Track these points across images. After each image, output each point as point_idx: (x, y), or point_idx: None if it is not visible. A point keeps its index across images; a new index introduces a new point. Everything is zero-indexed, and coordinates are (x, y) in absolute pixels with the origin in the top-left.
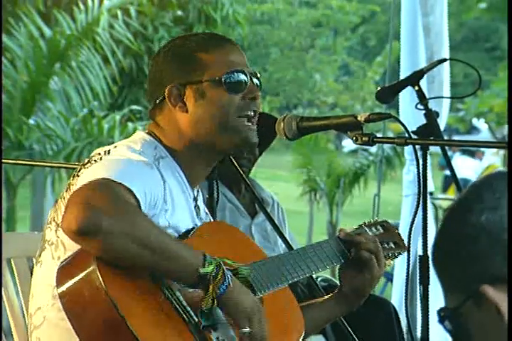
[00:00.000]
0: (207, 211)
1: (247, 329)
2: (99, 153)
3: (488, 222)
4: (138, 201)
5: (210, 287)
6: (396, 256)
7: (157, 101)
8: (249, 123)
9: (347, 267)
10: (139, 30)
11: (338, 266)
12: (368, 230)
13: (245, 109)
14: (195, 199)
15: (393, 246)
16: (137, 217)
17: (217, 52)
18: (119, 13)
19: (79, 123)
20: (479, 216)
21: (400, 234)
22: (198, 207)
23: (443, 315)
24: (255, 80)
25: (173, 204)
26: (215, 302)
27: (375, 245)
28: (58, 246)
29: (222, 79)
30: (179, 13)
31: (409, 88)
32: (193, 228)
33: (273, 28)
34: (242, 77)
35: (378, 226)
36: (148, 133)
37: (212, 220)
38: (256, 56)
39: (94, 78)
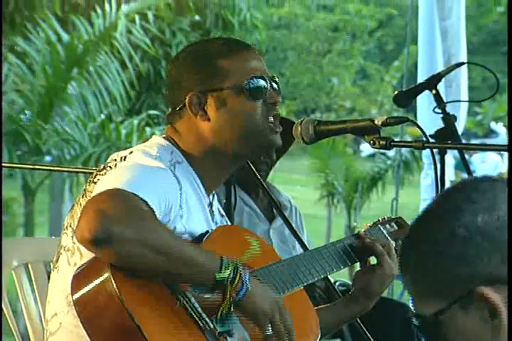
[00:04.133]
0: (223, 213)
1: (270, 332)
2: (115, 159)
3: (484, 222)
4: (152, 210)
5: (228, 292)
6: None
7: (177, 109)
8: (273, 126)
9: (360, 268)
10: (157, 35)
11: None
12: (381, 227)
13: (268, 115)
14: (210, 205)
15: None
16: (150, 223)
17: (237, 58)
18: (136, 17)
19: (96, 128)
20: (473, 216)
21: None
22: (213, 212)
23: (419, 324)
24: (274, 85)
25: (189, 210)
26: (232, 307)
27: (385, 242)
28: (74, 252)
29: (244, 87)
30: (197, 18)
31: (426, 92)
32: (207, 232)
33: (290, 33)
34: (263, 83)
35: (393, 223)
36: (166, 138)
37: (228, 222)
38: (273, 60)
39: (111, 83)
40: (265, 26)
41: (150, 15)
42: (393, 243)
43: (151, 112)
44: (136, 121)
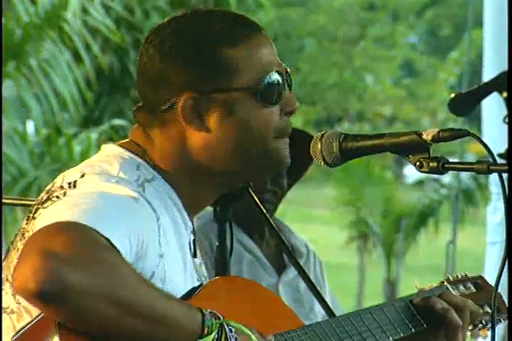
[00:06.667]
0: (201, 256)
1: None
2: (62, 186)
3: None
4: (118, 251)
5: None
6: (494, 325)
7: (162, 108)
8: (283, 141)
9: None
10: (123, 16)
11: None
12: (451, 289)
13: (284, 130)
14: (193, 231)
15: (489, 310)
16: (117, 269)
17: (248, 47)
18: None
19: (40, 144)
20: None
21: (501, 295)
22: (196, 248)
23: None
24: (289, 82)
25: (167, 246)
26: None
27: (458, 302)
28: (21, 314)
29: (261, 88)
30: None
31: (495, 95)
32: (200, 285)
33: (308, 12)
34: (280, 82)
35: (468, 284)
36: (126, 146)
37: (204, 271)
38: (285, 50)
39: (61, 82)
40: (273, 3)
41: None
42: (476, 308)
43: (116, 122)
44: (94, 135)
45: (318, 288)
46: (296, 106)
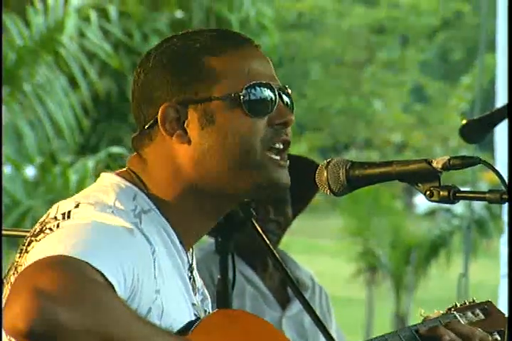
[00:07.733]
0: (204, 290)
1: None
2: (55, 218)
3: None
4: (111, 285)
5: None
6: None
7: (145, 127)
8: (279, 157)
9: None
10: (122, 40)
11: None
12: (459, 316)
13: (273, 140)
14: (191, 268)
15: (499, 338)
16: (109, 306)
17: (233, 56)
18: (92, 14)
19: (35, 172)
20: None
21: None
22: (194, 279)
23: None
24: (285, 98)
25: (163, 280)
26: None
27: (467, 331)
28: None
29: (241, 97)
30: (179, 14)
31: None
32: (197, 319)
33: (315, 35)
34: (269, 93)
35: (477, 311)
36: (124, 175)
37: (209, 306)
38: (290, 75)
39: (56, 108)
40: (278, 26)
41: (112, 10)
42: (485, 336)
43: (113, 150)
44: (91, 163)
45: (324, 323)
46: (289, 118)
